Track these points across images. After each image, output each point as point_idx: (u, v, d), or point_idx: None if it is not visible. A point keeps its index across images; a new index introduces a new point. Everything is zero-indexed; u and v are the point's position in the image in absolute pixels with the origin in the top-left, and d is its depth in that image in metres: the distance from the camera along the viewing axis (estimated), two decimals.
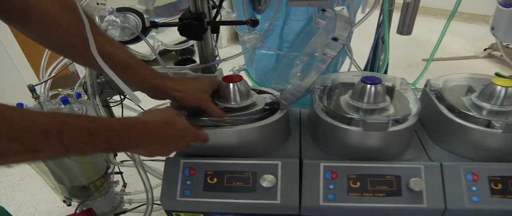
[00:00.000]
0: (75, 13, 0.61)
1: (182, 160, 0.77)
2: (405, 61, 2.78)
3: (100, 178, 1.06)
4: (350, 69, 1.14)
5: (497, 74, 1.15)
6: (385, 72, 1.29)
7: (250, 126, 0.76)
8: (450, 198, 0.75)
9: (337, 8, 0.85)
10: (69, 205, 1.12)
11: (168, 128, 0.64)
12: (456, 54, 2.93)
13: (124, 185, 1.23)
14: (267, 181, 0.72)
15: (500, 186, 0.76)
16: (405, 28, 1.01)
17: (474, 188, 0.76)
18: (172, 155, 0.79)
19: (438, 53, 3.13)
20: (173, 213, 0.78)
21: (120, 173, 1.19)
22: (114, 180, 1.17)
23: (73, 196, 1.09)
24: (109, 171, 1.10)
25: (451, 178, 0.76)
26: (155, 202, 1.11)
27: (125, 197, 1.23)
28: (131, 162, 0.97)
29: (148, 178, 0.95)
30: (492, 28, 0.98)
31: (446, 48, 3.05)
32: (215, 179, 0.75)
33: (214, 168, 0.75)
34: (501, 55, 2.76)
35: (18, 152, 0.43)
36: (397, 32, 1.05)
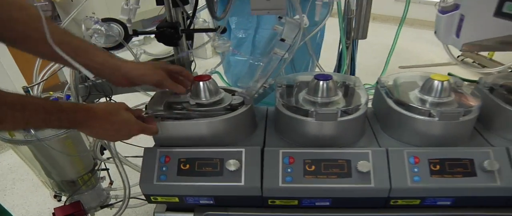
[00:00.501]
0: (28, 10, 0.73)
1: (158, 149, 0.87)
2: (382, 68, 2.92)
3: (87, 173, 1.15)
4: None
5: (449, 74, 1.27)
6: (353, 74, 1.40)
7: (218, 119, 0.86)
8: (395, 179, 0.85)
9: (297, 17, 0.97)
10: (59, 200, 1.20)
11: (111, 117, 0.75)
12: (431, 61, 3.08)
13: (111, 183, 1.32)
14: (232, 165, 0.82)
15: (438, 167, 0.86)
16: (360, 33, 1.13)
17: (416, 170, 0.86)
18: (150, 145, 0.89)
19: (415, 61, 3.29)
20: (151, 198, 0.87)
21: (106, 169, 1.28)
22: (101, 175, 1.26)
23: (62, 190, 1.18)
24: (96, 168, 1.19)
25: (395, 161, 0.86)
26: (136, 196, 1.21)
27: (112, 193, 1.31)
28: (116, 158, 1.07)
29: (124, 170, 1.05)
30: (435, 32, 1.11)
31: (423, 56, 3.21)
32: (188, 166, 0.85)
33: (186, 155, 0.86)
34: (473, 61, 2.92)
35: None
36: (354, 38, 1.18)
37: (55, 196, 1.20)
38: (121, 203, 1.12)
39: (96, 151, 1.11)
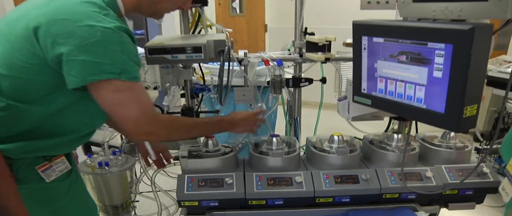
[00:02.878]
0: None
1: (186, 175, 1.54)
2: None
3: (128, 201, 1.75)
4: None
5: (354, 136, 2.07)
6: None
7: (218, 158, 1.58)
8: (316, 185, 1.56)
9: (259, 104, 1.77)
10: None
11: (242, 120, 1.48)
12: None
13: (135, 213, 1.89)
14: (228, 180, 1.51)
15: (339, 179, 1.60)
16: (296, 113, 1.94)
17: (327, 181, 1.59)
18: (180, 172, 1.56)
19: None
20: (181, 203, 1.51)
21: (137, 201, 1.86)
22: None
23: (108, 213, 1.75)
24: (133, 200, 1.79)
25: (316, 177, 1.59)
26: None
27: None
28: (148, 192, 1.70)
29: (158, 197, 1.68)
30: (338, 111, 1.95)
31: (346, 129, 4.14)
32: (203, 183, 1.52)
33: (202, 178, 1.53)
34: None
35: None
36: (294, 116, 1.99)
37: None
38: None
39: (137, 185, 1.74)
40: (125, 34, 0.96)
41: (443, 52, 1.17)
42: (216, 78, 1.80)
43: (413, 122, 2.03)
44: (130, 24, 1.16)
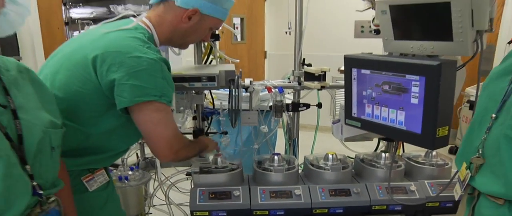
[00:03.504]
0: None
1: (198, 189, 1.74)
2: None
3: (143, 211, 1.93)
4: None
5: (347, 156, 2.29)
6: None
7: (225, 174, 1.78)
8: (313, 198, 1.76)
9: (263, 126, 2.00)
10: None
11: (210, 142, 1.70)
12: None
13: None
14: (235, 192, 1.71)
15: (333, 193, 1.80)
16: (294, 135, 2.16)
17: (323, 194, 1.79)
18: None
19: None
20: (194, 213, 1.70)
21: (150, 214, 2.04)
22: None
23: None
24: (148, 212, 1.97)
25: (313, 191, 1.79)
26: None
27: None
28: (160, 205, 1.90)
29: (171, 209, 1.87)
30: (332, 133, 2.17)
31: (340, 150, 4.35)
32: (213, 195, 1.72)
33: (212, 190, 1.73)
34: None
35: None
36: (293, 138, 2.20)
37: None
38: None
39: (152, 198, 1.93)
40: (164, 64, 1.20)
41: (418, 83, 1.40)
42: (224, 103, 2.03)
43: (401, 142, 2.26)
44: (164, 54, 1.40)
